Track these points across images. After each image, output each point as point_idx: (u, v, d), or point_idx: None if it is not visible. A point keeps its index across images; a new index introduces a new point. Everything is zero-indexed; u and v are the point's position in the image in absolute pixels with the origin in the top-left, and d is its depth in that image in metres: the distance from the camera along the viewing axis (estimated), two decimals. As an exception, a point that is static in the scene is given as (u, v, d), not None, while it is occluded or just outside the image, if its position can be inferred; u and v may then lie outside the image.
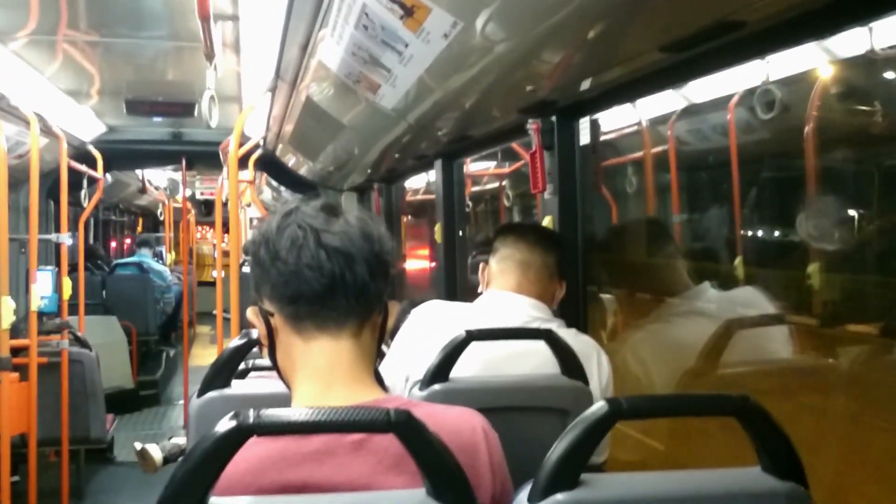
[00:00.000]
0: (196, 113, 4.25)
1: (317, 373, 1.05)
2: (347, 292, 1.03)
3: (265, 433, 0.89)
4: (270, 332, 1.07)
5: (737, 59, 1.57)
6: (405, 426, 0.90)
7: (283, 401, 1.11)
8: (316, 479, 0.95)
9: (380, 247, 1.06)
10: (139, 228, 13.11)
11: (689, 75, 1.70)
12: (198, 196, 10.85)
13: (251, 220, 11.62)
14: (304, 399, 1.05)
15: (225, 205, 5.54)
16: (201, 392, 1.55)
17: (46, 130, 3.85)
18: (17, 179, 4.02)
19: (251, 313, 1.10)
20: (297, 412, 0.89)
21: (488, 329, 1.67)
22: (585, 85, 1.79)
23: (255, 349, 1.62)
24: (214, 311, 10.25)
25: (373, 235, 1.06)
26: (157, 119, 4.83)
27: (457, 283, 3.34)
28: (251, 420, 0.87)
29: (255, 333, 1.66)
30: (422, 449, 0.90)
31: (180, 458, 2.56)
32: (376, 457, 0.97)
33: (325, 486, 0.95)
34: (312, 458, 0.96)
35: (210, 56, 2.29)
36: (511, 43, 1.60)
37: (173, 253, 9.62)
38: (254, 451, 0.93)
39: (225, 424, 0.88)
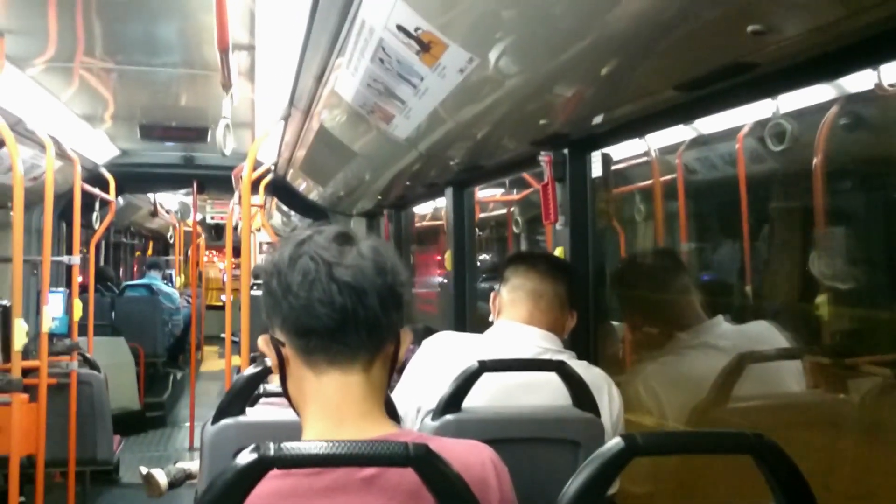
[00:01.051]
0: (209, 138, 4.30)
1: (327, 407, 1.05)
2: (359, 327, 1.03)
3: (285, 466, 0.89)
4: (282, 362, 1.07)
5: (748, 99, 1.59)
6: (423, 460, 0.90)
7: (297, 429, 1.12)
8: None
9: (393, 279, 1.05)
10: (149, 251, 13.16)
11: (700, 112, 1.72)
12: (208, 220, 10.91)
13: (261, 244, 11.67)
14: (316, 434, 1.05)
15: (235, 229, 5.57)
16: (216, 419, 1.56)
17: (61, 154, 3.89)
18: (30, 201, 4.05)
19: (262, 342, 1.09)
20: (317, 445, 0.90)
21: (500, 360, 1.68)
22: (598, 119, 1.82)
23: None
24: (221, 335, 10.30)
25: (386, 267, 1.05)
26: (170, 144, 4.88)
27: (466, 309, 3.35)
28: (272, 452, 0.88)
29: (269, 361, 1.68)
30: (440, 482, 0.91)
31: (187, 482, 2.57)
32: (388, 493, 0.97)
33: None
34: (323, 495, 0.97)
35: (227, 86, 2.33)
36: (525, 77, 1.63)
37: (183, 276, 9.66)
38: (266, 485, 0.93)
39: (246, 457, 0.89)
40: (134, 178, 5.33)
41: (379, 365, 1.07)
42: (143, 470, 2.47)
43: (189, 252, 10.66)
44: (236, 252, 5.89)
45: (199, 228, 7.93)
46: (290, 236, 1.10)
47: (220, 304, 11.55)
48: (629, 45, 1.30)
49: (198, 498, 0.90)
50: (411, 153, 2.66)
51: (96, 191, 4.65)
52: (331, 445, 0.90)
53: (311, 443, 0.90)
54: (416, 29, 1.57)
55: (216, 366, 9.43)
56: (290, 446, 0.89)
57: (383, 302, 1.04)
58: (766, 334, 1.98)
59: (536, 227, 5.10)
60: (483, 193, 5.24)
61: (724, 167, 3.05)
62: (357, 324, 1.03)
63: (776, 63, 1.29)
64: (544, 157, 2.11)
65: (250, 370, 1.62)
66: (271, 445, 0.89)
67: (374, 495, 0.98)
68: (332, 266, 1.02)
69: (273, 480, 0.94)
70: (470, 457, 1.06)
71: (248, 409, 1.61)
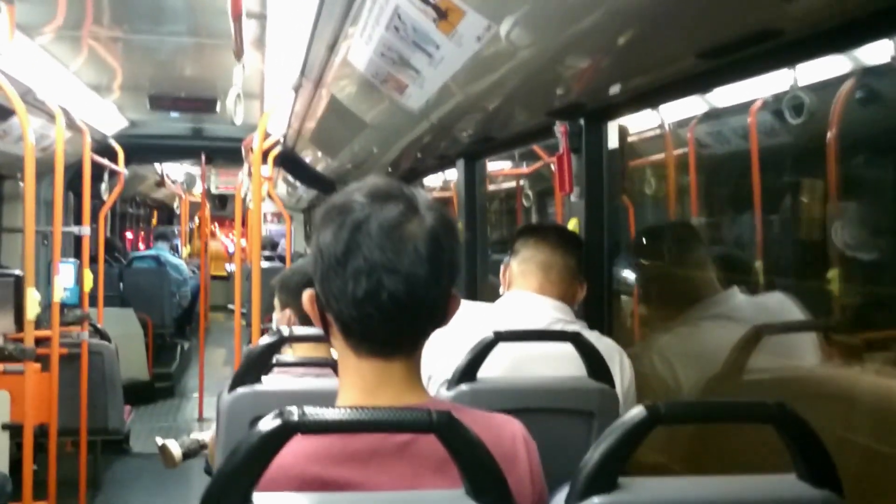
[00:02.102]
0: (217, 109, 4.29)
1: (364, 385, 1.04)
2: (409, 329, 1.02)
3: (309, 431, 0.90)
4: (325, 323, 1.05)
5: (771, 67, 1.57)
6: (447, 427, 0.91)
7: (314, 397, 1.12)
8: (358, 478, 0.96)
9: (451, 262, 1.01)
10: (153, 221, 13.18)
11: (721, 81, 1.70)
12: (213, 191, 10.91)
13: (265, 214, 11.67)
14: (348, 401, 1.04)
15: (243, 200, 5.57)
16: (232, 387, 1.56)
17: (70, 124, 3.88)
18: (40, 172, 4.05)
19: (308, 300, 1.05)
20: (340, 412, 0.90)
21: (516, 330, 1.68)
22: (615, 89, 1.80)
23: None
24: (227, 305, 10.33)
25: (443, 255, 1.00)
26: (179, 115, 4.86)
27: (477, 282, 3.35)
28: (296, 418, 0.89)
29: (285, 331, 1.68)
30: (462, 449, 0.91)
31: (200, 454, 2.59)
32: (420, 459, 0.98)
33: (368, 486, 0.96)
34: (357, 458, 0.97)
35: (239, 54, 2.31)
36: (543, 46, 1.61)
37: (189, 246, 9.67)
38: (300, 445, 0.93)
39: (269, 422, 0.89)
40: (143, 149, 5.33)
41: (423, 345, 1.06)
42: (159, 441, 2.48)
43: (194, 222, 10.67)
44: (243, 223, 5.91)
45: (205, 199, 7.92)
46: (345, 203, 1.01)
47: (225, 274, 11.60)
48: (653, 10, 1.28)
49: (215, 466, 0.90)
50: (423, 124, 2.64)
51: (105, 161, 4.64)
52: (353, 412, 0.90)
53: (333, 409, 0.90)
54: (434, -5, 1.55)
55: (222, 337, 9.47)
56: (314, 412, 0.89)
57: (437, 298, 1.01)
58: (782, 306, 1.97)
59: (547, 201, 5.08)
60: (492, 167, 5.22)
61: (736, 141, 3.03)
62: (408, 325, 1.01)
63: (802, 30, 1.27)
64: (560, 128, 2.09)
65: (266, 339, 1.62)
66: (295, 410, 0.89)
67: (407, 461, 0.98)
68: (386, 275, 0.97)
69: (306, 440, 0.94)
70: (502, 430, 1.06)
71: (265, 379, 1.62)
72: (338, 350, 1.06)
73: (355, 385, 1.04)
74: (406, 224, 0.99)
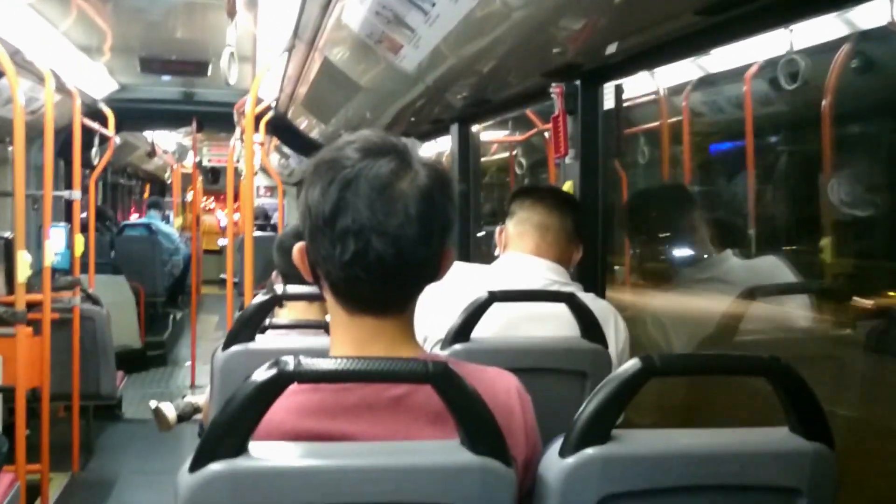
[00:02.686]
0: (209, 72, 4.24)
1: (357, 340, 1.03)
2: (399, 287, 1.00)
3: (305, 380, 0.90)
4: (317, 279, 1.04)
5: (770, 24, 1.56)
6: (442, 377, 0.91)
7: (307, 354, 1.11)
8: (353, 431, 0.96)
9: (444, 218, 0.99)
10: (145, 194, 13.11)
11: (720, 40, 1.68)
12: (205, 163, 10.83)
13: (258, 188, 11.61)
14: (341, 353, 1.03)
15: (235, 173, 5.53)
16: (226, 345, 1.56)
17: (60, 87, 3.84)
18: (29, 136, 4.01)
19: (298, 254, 1.04)
20: (336, 361, 0.90)
21: (510, 290, 1.68)
22: (612, 48, 1.78)
23: None
24: (219, 275, 10.31)
25: (435, 212, 0.97)
26: (170, 78, 4.81)
27: (470, 251, 3.35)
28: (291, 367, 0.88)
29: (279, 289, 1.67)
30: (457, 400, 0.92)
31: (194, 417, 2.59)
32: (414, 413, 0.98)
33: (362, 438, 0.96)
34: (351, 411, 0.97)
35: (232, 13, 2.28)
36: (539, 3, 1.59)
37: (181, 218, 9.62)
38: (294, 399, 0.93)
39: (265, 372, 0.89)
40: (133, 115, 5.28)
41: (415, 301, 1.04)
42: (153, 404, 2.49)
43: (186, 194, 10.61)
44: (235, 196, 5.87)
45: (196, 171, 7.87)
46: (336, 158, 0.98)
47: (216, 248, 11.55)
48: (652, -35, 1.26)
49: (216, 415, 0.90)
50: (418, 86, 2.62)
51: (96, 126, 4.60)
52: (349, 362, 0.90)
53: (329, 359, 0.90)
54: (430, -51, 1.52)
55: (213, 308, 9.47)
56: (309, 362, 0.89)
57: (428, 256, 0.99)
58: (774, 269, 1.98)
59: (540, 171, 5.06)
60: (486, 136, 5.19)
61: (731, 109, 3.02)
62: (397, 286, 1.00)
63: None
64: (555, 89, 2.08)
65: (259, 298, 1.62)
66: (290, 360, 0.89)
67: (401, 413, 0.98)
68: (374, 236, 0.95)
69: (300, 394, 0.94)
70: (497, 384, 1.05)
71: (259, 339, 1.62)
72: (329, 306, 1.05)
73: (346, 340, 1.03)
74: (397, 182, 0.96)
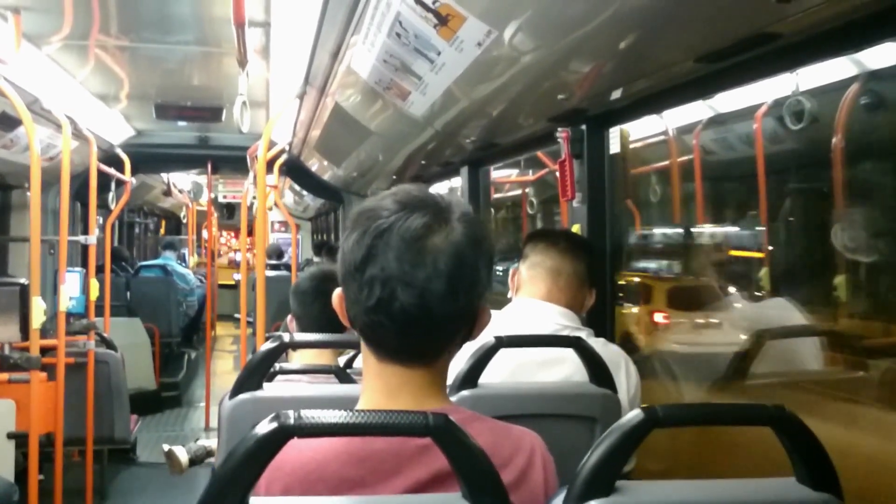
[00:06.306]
0: (223, 118, 4.31)
1: (386, 388, 1.04)
2: (427, 340, 1.01)
3: (305, 435, 0.90)
4: (351, 322, 1.04)
5: (770, 71, 1.57)
6: (443, 430, 0.90)
7: (314, 403, 1.11)
8: (374, 480, 0.96)
9: (471, 285, 0.99)
10: (161, 231, 13.23)
11: (721, 86, 1.70)
12: (220, 199, 10.94)
13: (272, 223, 11.71)
14: (371, 402, 1.04)
15: (249, 209, 5.58)
16: (233, 393, 1.56)
17: (77, 133, 3.91)
18: (46, 181, 4.08)
19: (336, 299, 1.04)
20: (336, 415, 0.90)
21: (518, 336, 1.67)
22: (616, 94, 1.80)
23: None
24: (234, 314, 10.35)
25: (464, 276, 0.97)
26: (185, 124, 4.88)
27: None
28: (292, 421, 0.89)
29: (286, 337, 1.68)
30: (458, 453, 0.91)
31: (207, 460, 2.59)
32: (439, 462, 0.97)
33: (383, 487, 0.96)
34: (376, 457, 0.97)
35: (243, 63, 2.32)
36: (544, 51, 1.61)
37: (196, 255, 9.69)
38: (321, 442, 0.95)
39: (266, 426, 0.89)
40: (149, 159, 5.35)
41: (447, 355, 1.05)
42: (165, 447, 2.49)
43: (201, 231, 10.70)
44: (249, 231, 5.91)
45: (211, 208, 7.94)
46: (374, 209, 1.00)
47: (232, 283, 11.63)
48: (651, 15, 1.28)
49: (217, 469, 0.91)
50: (427, 131, 2.65)
51: (112, 171, 4.67)
52: (349, 415, 0.90)
53: (329, 412, 0.90)
54: (435, 2, 1.55)
55: (229, 346, 9.49)
56: (310, 415, 0.89)
57: (454, 311, 0.99)
58: (784, 312, 1.96)
59: (552, 208, 5.07)
60: (497, 174, 5.21)
61: (741, 147, 3.02)
62: (422, 337, 1.00)
63: (800, 33, 1.27)
64: (562, 134, 2.10)
65: (267, 345, 1.62)
66: (291, 414, 0.89)
67: (425, 462, 0.98)
68: (400, 286, 0.96)
69: (334, 441, 0.96)
70: (522, 442, 1.05)
71: (267, 386, 1.62)
72: (363, 353, 1.07)
73: (376, 387, 1.04)
74: (429, 236, 0.97)
